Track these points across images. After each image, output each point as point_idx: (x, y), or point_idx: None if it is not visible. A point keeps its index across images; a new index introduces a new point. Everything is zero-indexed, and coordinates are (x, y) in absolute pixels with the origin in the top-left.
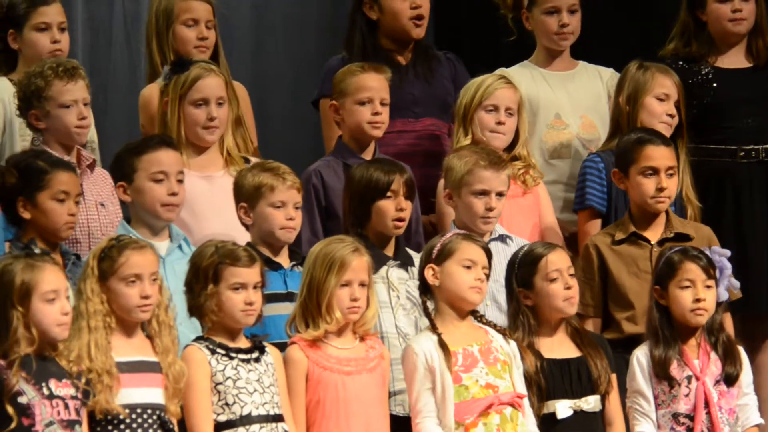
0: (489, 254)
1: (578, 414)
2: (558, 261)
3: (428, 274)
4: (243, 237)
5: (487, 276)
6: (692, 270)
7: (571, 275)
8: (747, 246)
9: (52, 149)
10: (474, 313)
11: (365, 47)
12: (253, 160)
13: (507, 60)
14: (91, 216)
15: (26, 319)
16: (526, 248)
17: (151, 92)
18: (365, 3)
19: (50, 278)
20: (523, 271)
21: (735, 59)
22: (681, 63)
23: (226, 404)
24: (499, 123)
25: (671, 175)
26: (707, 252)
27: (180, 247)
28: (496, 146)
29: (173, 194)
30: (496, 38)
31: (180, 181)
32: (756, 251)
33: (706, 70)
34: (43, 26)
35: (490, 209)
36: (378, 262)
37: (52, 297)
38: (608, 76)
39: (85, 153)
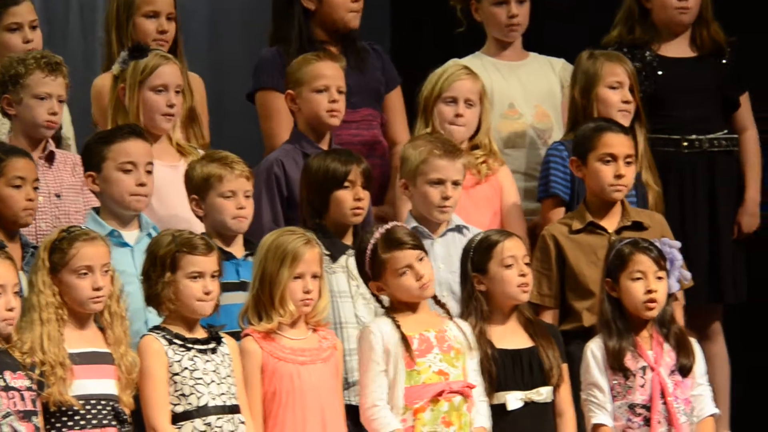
0: (415, 245)
1: (529, 405)
2: (514, 248)
3: (374, 290)
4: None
5: (426, 253)
6: (643, 262)
7: (526, 264)
8: (688, 237)
9: (17, 140)
10: (437, 301)
11: (301, 39)
12: (201, 152)
13: (464, 51)
14: (41, 209)
15: None
16: (482, 234)
17: (104, 82)
18: None
19: None
20: (479, 256)
21: (679, 48)
22: (624, 50)
23: (183, 395)
24: (458, 115)
25: (629, 163)
26: (657, 243)
27: (149, 235)
28: (456, 138)
29: (141, 185)
30: (452, 29)
31: (149, 172)
32: (697, 242)
33: (650, 58)
34: (15, 26)
35: (446, 198)
36: (337, 251)
37: None
38: (560, 66)
39: (48, 143)
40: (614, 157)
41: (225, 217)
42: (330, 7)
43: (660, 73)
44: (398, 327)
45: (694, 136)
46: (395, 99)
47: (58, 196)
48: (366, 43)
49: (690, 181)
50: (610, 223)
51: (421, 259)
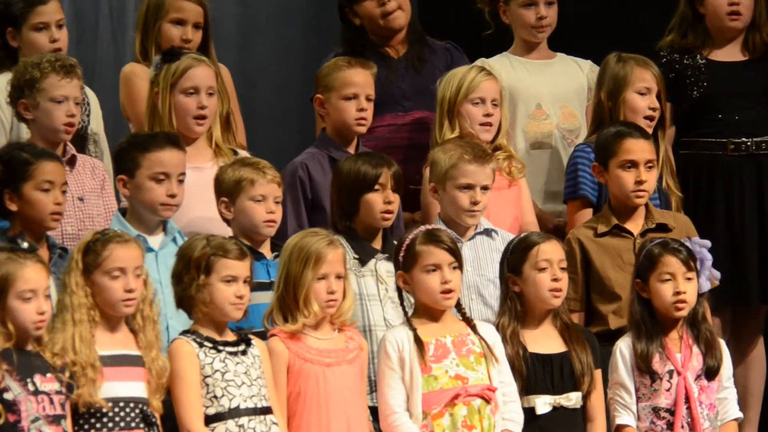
0: (453, 250)
1: (558, 409)
2: (550, 252)
3: (399, 282)
4: (227, 229)
5: (460, 267)
6: (672, 263)
7: (562, 269)
8: (738, 239)
9: (35, 142)
10: (457, 305)
11: (354, 45)
12: (241, 152)
13: (489, 52)
14: (66, 213)
15: (2, 314)
16: (522, 235)
17: (133, 69)
18: (346, 11)
19: (29, 276)
20: (514, 257)
21: (730, 52)
22: (676, 55)
23: (215, 397)
24: (487, 115)
25: (650, 168)
26: (687, 243)
27: (174, 240)
28: (485, 139)
29: (172, 195)
30: (478, 31)
31: (180, 182)
32: (747, 244)
33: (701, 62)
34: (41, 26)
35: (475, 203)
36: (366, 255)
37: (29, 296)
38: (588, 67)
39: (68, 147)
40: (635, 164)
41: (255, 221)
42: (367, 20)
43: (709, 77)
44: (414, 332)
45: (742, 139)
46: None
47: (81, 199)
48: (443, 42)
49: (737, 184)
50: (635, 225)
51: (454, 268)
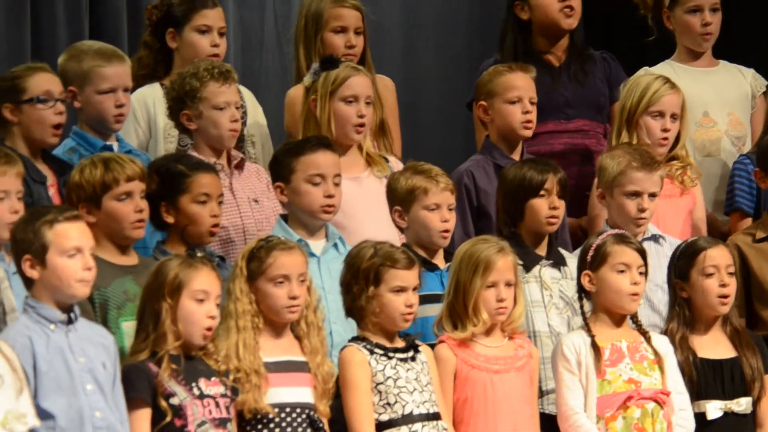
0: (643, 253)
1: (728, 415)
2: (717, 257)
3: (584, 280)
4: (394, 238)
5: (645, 274)
6: None
7: (730, 274)
8: None
9: (200, 152)
10: (633, 317)
11: (516, 50)
12: (392, 159)
13: (654, 59)
14: (244, 214)
15: (174, 313)
16: (690, 240)
17: (297, 93)
18: (516, 4)
19: (203, 279)
20: (682, 263)
21: None
22: None
23: (388, 404)
24: (665, 130)
25: None
26: None
27: (335, 246)
28: (660, 153)
29: (329, 196)
30: (643, 38)
31: (337, 184)
32: None
33: None
34: (204, 29)
35: (642, 210)
36: (531, 261)
37: (202, 297)
38: (751, 75)
39: (234, 152)
40: None
41: (429, 230)
42: (541, 12)
43: None
44: (592, 336)
45: None
46: None
47: (256, 201)
48: (599, 52)
49: None
50: None
51: (641, 273)
